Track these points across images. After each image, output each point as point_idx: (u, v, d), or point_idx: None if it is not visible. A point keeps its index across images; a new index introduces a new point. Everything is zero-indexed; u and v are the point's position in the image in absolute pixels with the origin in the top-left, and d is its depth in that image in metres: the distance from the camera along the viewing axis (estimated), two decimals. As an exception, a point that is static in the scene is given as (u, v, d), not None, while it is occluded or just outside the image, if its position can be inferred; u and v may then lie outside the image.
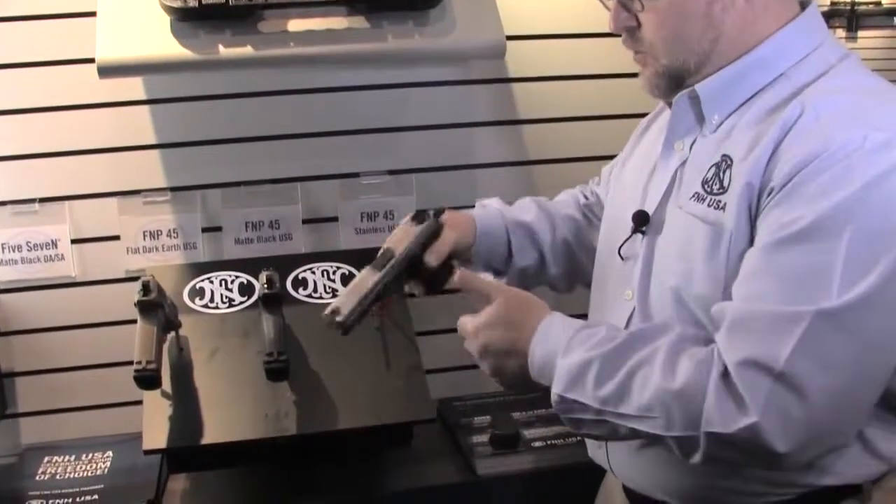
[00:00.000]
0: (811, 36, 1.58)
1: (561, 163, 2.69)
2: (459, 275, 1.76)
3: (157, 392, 2.07)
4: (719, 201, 1.50)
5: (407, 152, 2.65)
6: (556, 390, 1.53)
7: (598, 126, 2.67)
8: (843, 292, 1.33)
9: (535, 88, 2.70)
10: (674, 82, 1.60)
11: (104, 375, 2.53)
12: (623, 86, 2.61)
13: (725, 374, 1.38)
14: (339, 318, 1.73)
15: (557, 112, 2.72)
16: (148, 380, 1.95)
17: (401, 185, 2.64)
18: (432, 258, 1.84)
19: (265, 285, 2.19)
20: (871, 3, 8.59)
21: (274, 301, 2.19)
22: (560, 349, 1.54)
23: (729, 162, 1.51)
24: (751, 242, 1.45)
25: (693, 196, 1.56)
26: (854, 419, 1.44)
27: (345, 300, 1.75)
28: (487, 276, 1.80)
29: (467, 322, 1.68)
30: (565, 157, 2.69)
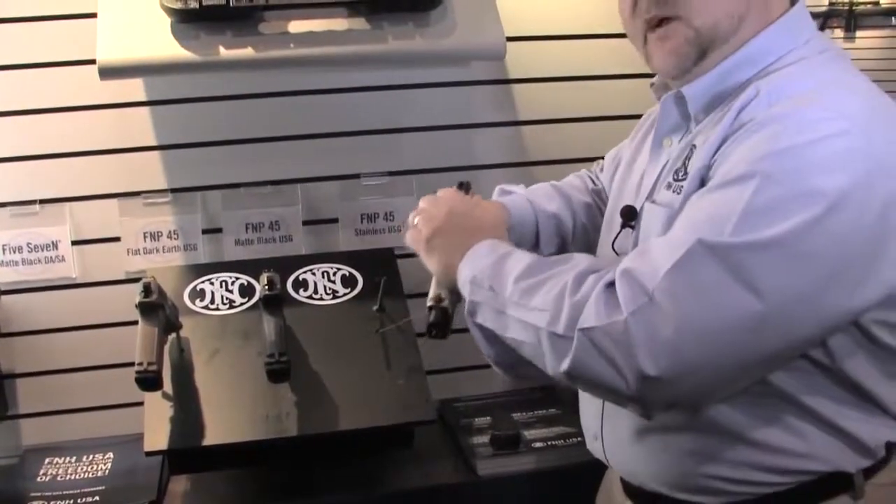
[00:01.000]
0: (797, 33, 1.56)
1: (561, 164, 2.68)
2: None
3: (158, 393, 2.08)
4: (680, 187, 1.52)
5: (407, 153, 2.65)
6: (471, 271, 1.59)
7: (598, 127, 2.67)
8: (735, 234, 1.31)
9: (535, 89, 2.71)
10: (701, 51, 1.55)
11: (105, 376, 2.53)
12: (623, 87, 2.63)
13: (611, 283, 1.39)
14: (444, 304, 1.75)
15: (557, 113, 2.72)
16: (149, 381, 1.96)
17: (401, 186, 2.64)
18: None
19: (266, 287, 2.19)
20: (869, 3, 8.60)
21: (275, 302, 2.19)
22: (488, 248, 1.62)
23: (693, 149, 1.53)
24: None
25: (666, 186, 1.58)
26: (730, 366, 1.37)
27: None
28: None
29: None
30: (565, 158, 2.69)
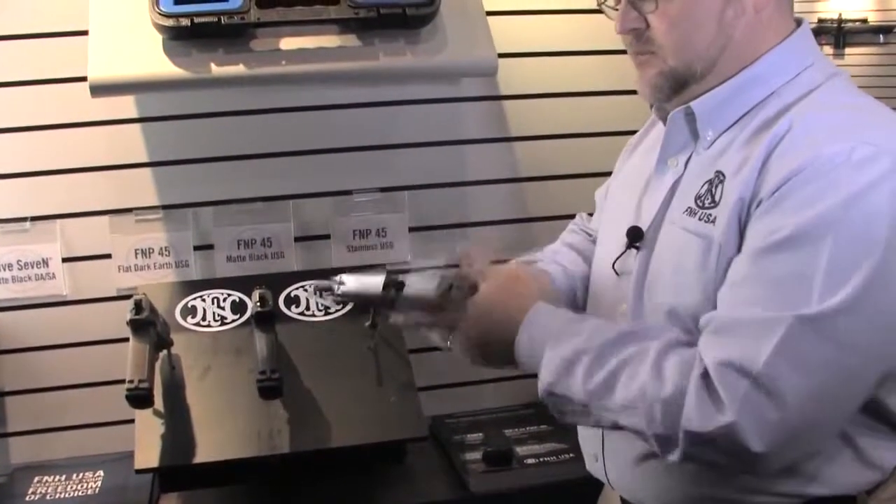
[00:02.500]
0: (803, 55, 1.59)
1: (552, 180, 2.70)
2: (462, 250, 1.77)
3: (150, 411, 2.07)
4: (710, 215, 1.51)
5: (399, 169, 2.65)
6: (543, 384, 1.55)
7: (590, 143, 2.68)
8: (823, 299, 1.35)
9: (526, 106, 2.71)
10: (677, 85, 1.59)
11: (95, 394, 2.52)
12: (614, 103, 2.63)
13: (705, 375, 1.39)
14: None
15: (549, 129, 2.72)
16: (140, 398, 1.95)
17: (393, 202, 2.64)
18: None
19: (258, 303, 2.19)
20: (857, 21, 8.63)
21: (267, 319, 2.18)
22: (549, 338, 1.56)
23: (721, 178, 1.52)
24: (738, 253, 1.47)
25: (686, 211, 1.57)
26: (831, 422, 1.44)
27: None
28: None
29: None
30: (557, 174, 2.70)
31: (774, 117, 1.51)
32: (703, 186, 1.55)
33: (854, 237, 1.36)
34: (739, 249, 1.46)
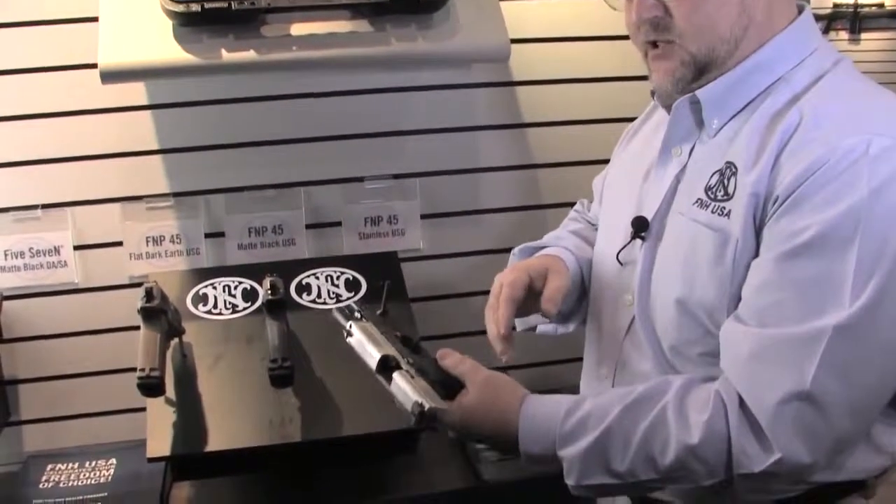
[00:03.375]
0: (807, 40, 1.57)
1: (564, 166, 2.69)
2: (440, 353, 1.69)
3: (161, 399, 2.07)
4: (723, 208, 1.50)
5: (411, 156, 2.65)
6: (571, 482, 1.53)
7: (602, 129, 2.66)
8: (855, 299, 1.34)
9: (538, 92, 2.70)
10: (698, 73, 1.56)
11: (107, 382, 2.52)
12: (627, 89, 2.61)
13: (743, 408, 1.40)
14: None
15: (561, 115, 2.71)
16: (152, 387, 1.94)
17: (404, 189, 2.64)
18: (550, 306, 1.74)
19: (269, 291, 2.18)
20: (874, 6, 8.59)
21: (278, 307, 2.18)
22: (555, 437, 1.52)
23: (734, 169, 1.50)
24: (756, 251, 1.46)
25: (696, 202, 1.55)
26: (870, 420, 1.46)
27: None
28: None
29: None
30: (569, 160, 2.69)
31: (785, 107, 1.49)
32: (712, 177, 1.54)
33: (878, 233, 1.35)
34: (756, 247, 1.45)
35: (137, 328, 2.05)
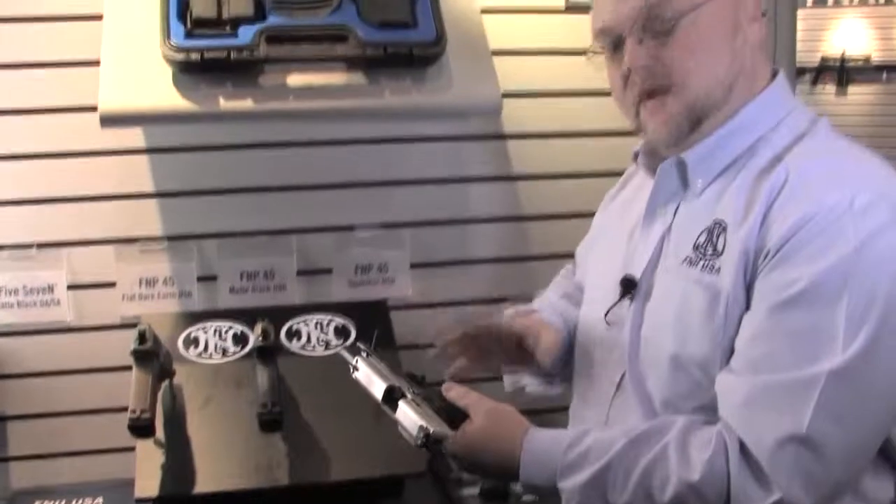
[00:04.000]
0: (783, 102, 1.63)
1: (553, 219, 2.73)
2: (446, 386, 1.72)
3: (151, 440, 2.09)
4: (713, 265, 1.53)
5: (401, 206, 2.68)
6: None
7: (590, 183, 2.67)
8: (847, 346, 1.39)
9: (529, 145, 2.75)
10: (695, 121, 1.58)
11: (98, 421, 2.53)
12: (616, 144, 2.63)
13: (744, 451, 1.43)
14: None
15: (551, 168, 2.76)
16: (142, 428, 1.98)
17: (395, 238, 2.67)
18: (546, 357, 1.82)
19: (260, 337, 2.22)
20: (860, 59, 8.65)
21: (269, 353, 2.21)
22: (557, 468, 1.55)
23: (723, 226, 1.54)
24: (747, 305, 1.49)
25: (685, 260, 1.58)
26: (864, 464, 1.50)
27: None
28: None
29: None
30: (558, 213, 2.73)
31: (769, 165, 1.53)
32: (700, 235, 1.57)
33: (866, 284, 1.40)
34: (747, 301, 1.49)
35: (128, 368, 2.07)
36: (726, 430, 1.46)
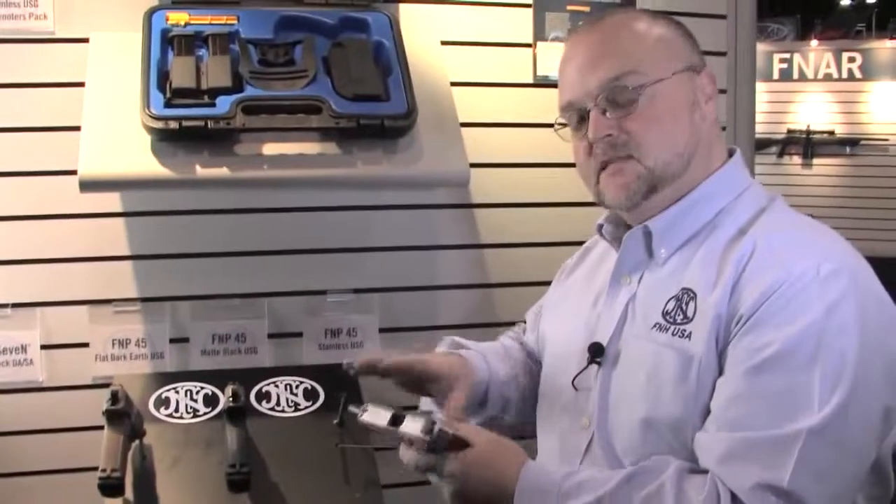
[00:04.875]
0: (741, 177, 1.74)
1: (520, 286, 2.78)
2: (449, 419, 1.75)
3: (120, 500, 2.10)
4: (684, 330, 1.60)
5: (371, 272, 2.73)
6: None
7: (556, 252, 2.68)
8: (822, 408, 1.45)
9: (496, 214, 2.82)
10: (652, 188, 1.67)
11: (68, 480, 2.53)
12: (582, 213, 2.70)
13: (734, 500, 1.47)
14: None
15: (518, 237, 2.83)
16: (112, 487, 2.00)
17: (365, 303, 2.72)
18: (456, 403, 1.83)
19: (230, 398, 2.24)
20: (825, 133, 8.83)
21: (238, 414, 2.24)
22: (552, 499, 1.57)
23: (692, 294, 1.62)
24: (719, 370, 1.56)
25: (655, 326, 1.65)
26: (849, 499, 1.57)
27: None
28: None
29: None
30: (524, 280, 2.78)
31: (735, 237, 1.63)
32: (668, 302, 1.64)
33: (836, 347, 1.47)
34: (720, 365, 1.56)
35: (100, 428, 2.09)
36: (718, 478, 1.50)
